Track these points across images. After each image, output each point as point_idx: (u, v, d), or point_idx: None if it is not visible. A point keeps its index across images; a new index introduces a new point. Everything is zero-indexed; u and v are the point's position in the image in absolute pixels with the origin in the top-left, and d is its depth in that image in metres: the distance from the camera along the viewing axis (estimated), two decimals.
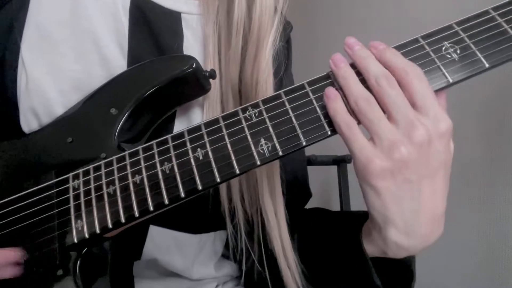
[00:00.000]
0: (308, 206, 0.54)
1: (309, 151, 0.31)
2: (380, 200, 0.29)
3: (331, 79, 0.33)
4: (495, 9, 0.32)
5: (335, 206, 1.14)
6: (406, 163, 0.28)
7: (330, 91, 0.31)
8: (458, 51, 0.32)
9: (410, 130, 0.28)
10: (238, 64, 0.42)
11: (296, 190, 0.45)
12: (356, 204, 1.06)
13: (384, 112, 0.30)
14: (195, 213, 0.45)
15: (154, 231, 0.44)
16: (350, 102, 0.30)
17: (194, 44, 0.44)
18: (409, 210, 0.29)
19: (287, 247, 0.41)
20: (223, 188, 0.43)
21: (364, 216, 0.35)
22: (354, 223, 0.36)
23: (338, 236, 0.39)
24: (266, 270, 0.43)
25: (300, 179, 0.51)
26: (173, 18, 0.43)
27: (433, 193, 0.29)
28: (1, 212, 0.34)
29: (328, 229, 0.42)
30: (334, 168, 1.10)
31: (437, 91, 0.31)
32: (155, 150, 0.34)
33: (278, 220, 0.41)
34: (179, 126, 0.42)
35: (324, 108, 0.32)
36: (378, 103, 0.30)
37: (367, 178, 0.29)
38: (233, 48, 0.41)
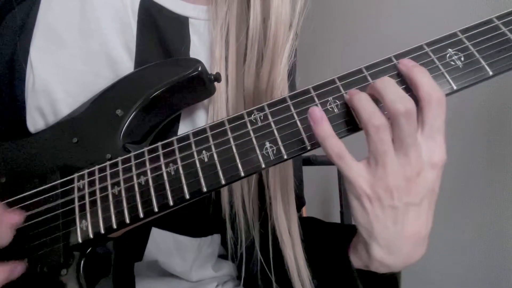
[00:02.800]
0: (308, 206, 0.54)
1: (309, 151, 0.32)
2: (366, 217, 0.31)
3: (336, 83, 0.33)
4: (499, 17, 0.33)
5: (335, 206, 1.14)
6: (393, 192, 0.30)
7: (315, 113, 0.31)
8: (462, 59, 0.32)
9: (406, 165, 0.29)
10: (253, 77, 0.42)
11: None
12: None
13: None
14: (197, 217, 0.46)
15: (156, 233, 0.44)
16: (363, 121, 0.30)
17: (200, 48, 0.44)
18: (393, 231, 0.31)
19: (302, 264, 0.41)
20: (224, 193, 0.43)
21: (353, 230, 0.36)
22: (343, 235, 0.37)
23: (327, 247, 0.40)
24: (273, 275, 0.43)
25: (296, 188, 0.51)
26: (181, 22, 0.43)
27: (417, 218, 0.31)
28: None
29: (319, 240, 0.43)
30: (334, 168, 1.09)
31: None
32: (160, 152, 0.34)
33: (293, 238, 0.42)
34: (184, 128, 0.42)
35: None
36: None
37: (356, 196, 0.31)
38: (248, 62, 0.42)
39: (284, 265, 0.41)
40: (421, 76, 0.30)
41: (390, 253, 0.31)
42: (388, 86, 0.30)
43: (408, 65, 0.31)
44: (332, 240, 0.39)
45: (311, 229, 0.45)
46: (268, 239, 0.44)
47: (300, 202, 0.53)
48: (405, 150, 0.29)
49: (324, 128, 0.30)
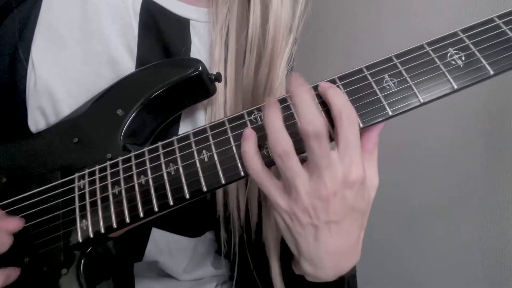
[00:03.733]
0: None
1: None
2: (289, 233, 0.32)
3: (336, 83, 0.33)
4: (500, 17, 0.33)
5: None
6: (310, 212, 0.30)
7: (247, 132, 0.31)
8: (463, 58, 0.32)
9: (320, 185, 0.29)
10: (251, 80, 0.42)
11: None
12: None
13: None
14: (194, 217, 0.46)
15: (156, 233, 0.44)
16: (270, 148, 0.30)
17: (201, 50, 0.44)
18: (315, 247, 0.31)
19: (279, 272, 0.42)
20: (219, 194, 0.43)
21: None
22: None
23: (285, 256, 0.40)
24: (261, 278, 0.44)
25: None
26: (182, 24, 0.43)
27: (338, 235, 0.31)
28: (7, 211, 0.34)
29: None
30: None
31: (371, 126, 0.32)
32: (161, 151, 0.34)
33: (275, 247, 0.42)
34: (184, 128, 0.43)
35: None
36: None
37: (277, 213, 0.31)
38: (246, 65, 0.42)
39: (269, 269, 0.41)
40: (333, 96, 0.30)
41: (315, 266, 0.32)
42: (303, 103, 0.28)
43: (324, 87, 0.31)
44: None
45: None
46: (257, 245, 0.44)
47: None
48: (319, 172, 0.29)
49: (250, 144, 0.31)
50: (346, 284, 0.35)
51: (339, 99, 0.30)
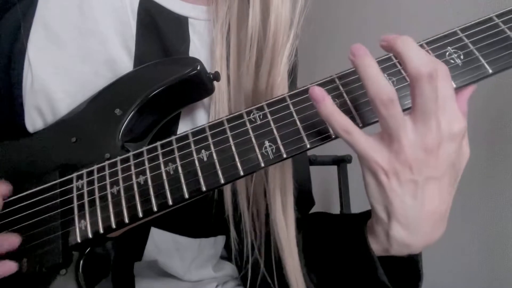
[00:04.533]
0: None
1: (309, 151, 0.31)
2: (383, 194, 0.29)
3: (336, 83, 0.33)
4: (499, 16, 0.33)
5: (335, 206, 1.14)
6: (412, 165, 0.28)
7: (317, 93, 0.29)
8: (462, 57, 0.32)
9: (426, 135, 0.28)
10: (252, 77, 0.41)
11: (301, 201, 0.45)
12: (356, 204, 1.07)
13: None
14: (197, 217, 0.46)
15: (156, 233, 0.44)
16: (370, 95, 0.28)
17: (200, 48, 0.44)
18: (412, 207, 0.29)
19: (297, 265, 0.40)
20: (227, 193, 0.43)
21: (366, 215, 0.35)
22: (357, 222, 0.36)
23: (342, 236, 0.38)
24: (275, 278, 0.43)
25: (305, 190, 0.51)
26: (181, 22, 0.43)
27: (438, 194, 0.29)
28: (5, 211, 0.34)
29: (332, 231, 0.42)
30: (334, 168, 1.10)
31: (458, 90, 0.31)
32: (160, 151, 0.34)
33: (290, 239, 0.41)
34: (183, 127, 0.42)
35: None
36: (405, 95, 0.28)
37: (371, 171, 0.29)
38: (247, 62, 0.41)
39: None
40: (411, 51, 0.28)
41: (411, 231, 0.30)
42: (411, 47, 0.27)
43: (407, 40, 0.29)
44: (348, 229, 0.37)
45: (322, 224, 0.44)
46: (270, 242, 0.43)
47: (310, 202, 0.53)
48: (426, 119, 0.27)
49: (327, 105, 0.29)
50: (421, 263, 0.34)
51: (428, 55, 0.28)
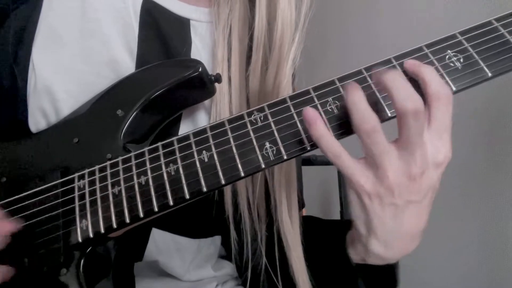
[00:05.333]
0: (308, 206, 0.54)
1: (309, 152, 0.32)
2: (364, 213, 0.31)
3: (336, 84, 0.33)
4: (498, 19, 0.33)
5: (335, 206, 1.14)
6: (394, 191, 0.29)
7: (309, 114, 0.30)
8: (462, 60, 0.32)
9: (410, 163, 0.29)
10: (258, 79, 0.42)
11: None
12: None
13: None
14: (197, 218, 0.46)
15: (157, 234, 0.44)
16: (354, 125, 0.29)
17: (202, 50, 0.44)
18: (391, 227, 0.31)
19: (303, 265, 0.41)
20: (228, 194, 0.43)
21: (349, 224, 0.36)
22: (340, 230, 0.37)
23: (325, 244, 0.40)
24: (279, 276, 0.43)
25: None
26: (182, 24, 0.43)
27: (416, 216, 0.31)
28: (7, 210, 0.34)
29: (317, 238, 0.43)
30: (334, 168, 1.09)
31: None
32: (161, 152, 0.34)
33: (296, 239, 0.42)
34: (185, 128, 0.43)
35: None
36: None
37: (356, 192, 0.31)
38: (253, 64, 0.42)
39: (289, 268, 0.41)
40: (429, 73, 0.30)
41: (387, 247, 0.32)
42: (398, 81, 0.28)
43: (415, 63, 0.31)
44: (330, 237, 0.39)
45: (310, 228, 0.45)
46: (273, 242, 0.43)
47: (300, 203, 0.53)
48: (411, 149, 0.28)
49: (318, 128, 0.30)
50: (398, 269, 0.36)
51: (436, 77, 0.30)
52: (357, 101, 0.29)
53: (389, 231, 0.31)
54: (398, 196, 0.29)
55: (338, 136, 0.32)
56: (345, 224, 0.37)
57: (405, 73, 0.31)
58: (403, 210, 0.30)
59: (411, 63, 0.31)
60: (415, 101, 0.28)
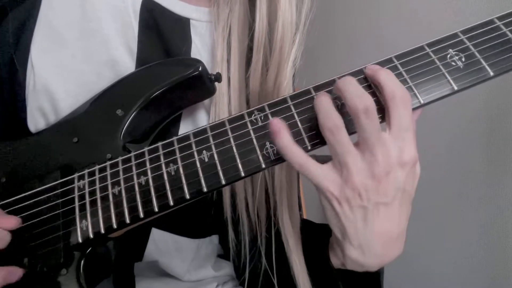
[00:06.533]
0: (308, 206, 0.54)
1: (310, 152, 0.32)
2: (336, 218, 0.31)
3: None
4: (500, 18, 0.33)
5: None
6: (361, 192, 0.29)
7: (274, 125, 0.30)
8: (463, 59, 0.32)
9: (372, 163, 0.29)
10: (258, 80, 0.42)
11: None
12: None
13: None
14: (196, 218, 0.46)
15: (156, 234, 0.44)
16: (319, 122, 0.30)
17: (202, 50, 0.44)
18: (363, 231, 0.31)
19: (304, 265, 0.41)
20: (226, 195, 0.43)
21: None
22: (324, 234, 0.38)
23: (311, 247, 0.41)
24: (275, 276, 0.43)
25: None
26: (182, 24, 0.43)
27: (388, 218, 0.31)
28: (7, 210, 0.34)
29: (305, 239, 0.43)
30: None
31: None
32: (161, 152, 0.34)
33: (297, 240, 0.42)
34: (185, 128, 0.43)
35: None
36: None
37: (325, 198, 0.31)
38: (254, 65, 0.42)
39: (289, 269, 0.41)
40: (384, 77, 0.30)
41: (363, 252, 0.32)
42: (349, 84, 0.29)
43: (373, 69, 0.31)
44: (315, 240, 0.39)
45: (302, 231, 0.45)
46: (271, 243, 0.43)
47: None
48: (371, 149, 0.29)
49: (283, 137, 0.30)
50: (382, 278, 0.36)
51: (392, 80, 0.30)
52: (323, 101, 0.30)
53: (362, 235, 0.31)
54: (365, 198, 0.30)
55: None
56: (328, 228, 0.37)
57: (366, 79, 0.32)
58: (372, 213, 0.30)
59: (369, 68, 0.32)
60: (365, 100, 0.28)
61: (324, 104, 0.30)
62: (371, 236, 0.31)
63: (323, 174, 0.30)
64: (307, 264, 0.40)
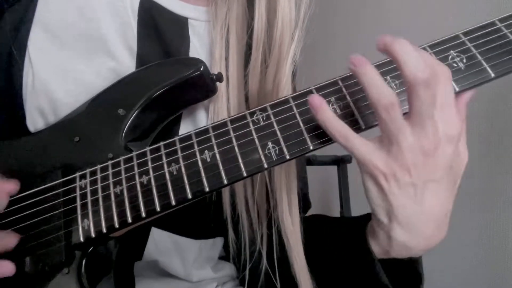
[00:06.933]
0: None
1: (311, 152, 0.32)
2: (383, 197, 0.30)
3: (339, 85, 0.33)
4: (501, 20, 0.33)
5: (335, 206, 1.14)
6: (410, 169, 0.29)
7: (314, 100, 0.30)
8: (464, 60, 0.32)
9: (422, 138, 0.28)
10: (257, 78, 0.42)
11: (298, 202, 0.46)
12: (356, 204, 1.07)
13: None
14: (197, 218, 0.46)
15: (156, 233, 0.44)
16: (372, 102, 0.29)
17: (200, 49, 0.44)
18: (413, 210, 0.30)
19: (304, 264, 0.41)
20: (226, 195, 0.43)
21: (366, 218, 0.35)
22: (357, 225, 0.36)
23: (342, 239, 0.39)
24: (277, 275, 0.43)
25: (302, 192, 0.51)
26: (180, 23, 0.43)
27: (436, 196, 0.30)
28: (8, 210, 0.34)
29: (331, 234, 0.42)
30: (334, 168, 1.10)
31: (459, 93, 0.32)
32: (163, 151, 0.34)
33: (296, 238, 0.41)
34: (185, 128, 0.43)
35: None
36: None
37: (371, 176, 0.30)
38: (253, 63, 0.42)
39: (289, 268, 0.41)
40: (425, 54, 0.29)
41: (411, 233, 0.30)
42: (408, 52, 0.28)
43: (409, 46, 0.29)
44: (346, 233, 0.38)
45: (321, 226, 0.45)
46: (272, 242, 0.43)
47: (307, 204, 0.53)
48: (423, 123, 0.28)
49: (324, 112, 0.30)
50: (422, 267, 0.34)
51: (431, 58, 0.29)
52: (372, 75, 0.29)
53: (411, 214, 0.30)
54: (415, 174, 0.29)
55: None
56: (362, 218, 0.36)
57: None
58: (422, 190, 0.29)
59: (381, 40, 0.30)
60: (426, 70, 0.27)
61: (376, 79, 0.29)
62: (421, 215, 0.30)
63: (370, 149, 0.29)
64: (342, 258, 0.38)
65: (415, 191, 0.29)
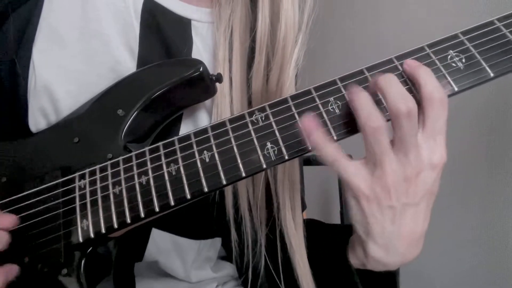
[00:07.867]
0: (308, 206, 0.54)
1: (310, 152, 0.32)
2: (363, 217, 0.31)
3: (337, 84, 0.33)
4: (500, 19, 0.33)
5: (335, 206, 1.14)
6: (391, 192, 0.30)
7: (309, 124, 0.31)
8: (464, 60, 0.32)
9: (405, 164, 0.29)
10: (261, 80, 0.42)
11: None
12: None
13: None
14: (198, 219, 0.46)
15: (156, 234, 0.44)
16: (361, 122, 0.30)
17: (203, 51, 0.44)
18: (390, 231, 0.31)
19: (307, 266, 0.41)
20: (229, 195, 0.43)
21: (351, 229, 0.36)
22: (344, 234, 0.37)
23: (326, 248, 0.40)
24: (281, 277, 0.43)
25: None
26: (183, 24, 0.43)
27: (414, 219, 0.31)
28: (7, 210, 0.34)
29: (318, 242, 0.43)
30: None
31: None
32: (162, 151, 0.34)
33: (299, 240, 0.42)
34: (185, 128, 0.43)
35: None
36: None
37: (353, 195, 0.31)
38: (256, 65, 0.42)
39: (292, 270, 0.41)
40: (425, 76, 0.30)
41: (387, 252, 0.32)
42: (391, 84, 0.29)
43: (412, 65, 0.31)
44: (331, 241, 0.39)
45: (312, 231, 0.45)
46: (275, 244, 0.43)
47: (302, 205, 0.53)
48: (405, 150, 0.29)
49: (316, 138, 0.30)
50: (398, 277, 0.36)
51: (432, 79, 0.30)
52: (363, 98, 0.30)
53: (388, 235, 0.31)
54: (395, 198, 0.30)
55: (340, 136, 0.32)
56: (348, 228, 0.37)
57: (402, 75, 0.32)
58: (400, 213, 0.30)
59: (410, 64, 0.32)
60: (408, 102, 0.28)
61: (365, 102, 0.30)
62: (397, 236, 0.31)
63: (355, 172, 0.30)
64: (323, 265, 0.40)
65: (394, 213, 0.30)
